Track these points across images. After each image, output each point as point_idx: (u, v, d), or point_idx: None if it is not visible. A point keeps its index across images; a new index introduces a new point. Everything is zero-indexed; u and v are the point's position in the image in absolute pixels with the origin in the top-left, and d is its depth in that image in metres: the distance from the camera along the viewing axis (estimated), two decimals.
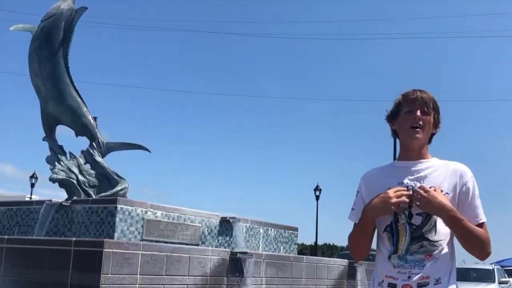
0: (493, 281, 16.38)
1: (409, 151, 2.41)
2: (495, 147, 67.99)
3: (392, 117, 2.47)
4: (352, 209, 2.47)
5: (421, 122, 2.35)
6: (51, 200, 7.62)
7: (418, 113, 2.35)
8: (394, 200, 2.25)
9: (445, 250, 2.30)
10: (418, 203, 2.23)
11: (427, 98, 2.38)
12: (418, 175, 2.35)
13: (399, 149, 2.49)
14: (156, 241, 6.99)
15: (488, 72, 72.36)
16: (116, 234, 6.80)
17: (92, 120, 8.82)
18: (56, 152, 8.54)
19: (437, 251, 2.28)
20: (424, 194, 2.22)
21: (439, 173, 2.34)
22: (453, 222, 2.23)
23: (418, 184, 2.32)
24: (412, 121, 2.35)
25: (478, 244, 2.28)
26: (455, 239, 2.34)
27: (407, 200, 2.25)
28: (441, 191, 2.28)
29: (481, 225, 2.31)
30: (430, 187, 2.26)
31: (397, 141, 2.53)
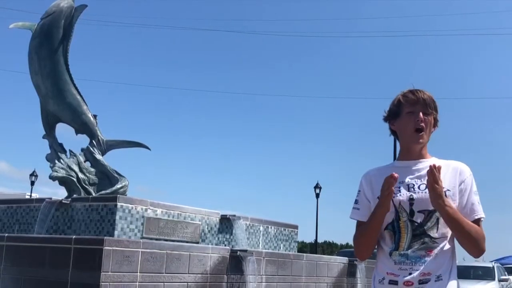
0: (493, 279, 16.40)
1: (410, 152, 2.42)
2: (495, 145, 68.00)
3: (391, 117, 2.46)
4: (355, 208, 2.46)
5: (423, 124, 2.35)
6: (51, 198, 7.61)
7: (421, 115, 2.35)
8: (384, 190, 2.24)
9: (446, 247, 2.31)
10: (428, 182, 2.20)
11: (428, 98, 2.38)
12: (418, 174, 2.36)
13: (399, 148, 2.49)
14: (156, 239, 6.99)
15: (479, 69, 72.36)
16: (116, 232, 6.80)
17: (92, 118, 8.82)
18: (56, 150, 8.54)
19: (438, 248, 2.28)
20: (437, 186, 2.19)
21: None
22: (449, 214, 2.22)
23: (419, 182, 2.32)
24: (415, 123, 2.35)
25: (472, 241, 2.27)
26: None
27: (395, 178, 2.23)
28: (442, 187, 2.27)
29: (478, 220, 2.32)
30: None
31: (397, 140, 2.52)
